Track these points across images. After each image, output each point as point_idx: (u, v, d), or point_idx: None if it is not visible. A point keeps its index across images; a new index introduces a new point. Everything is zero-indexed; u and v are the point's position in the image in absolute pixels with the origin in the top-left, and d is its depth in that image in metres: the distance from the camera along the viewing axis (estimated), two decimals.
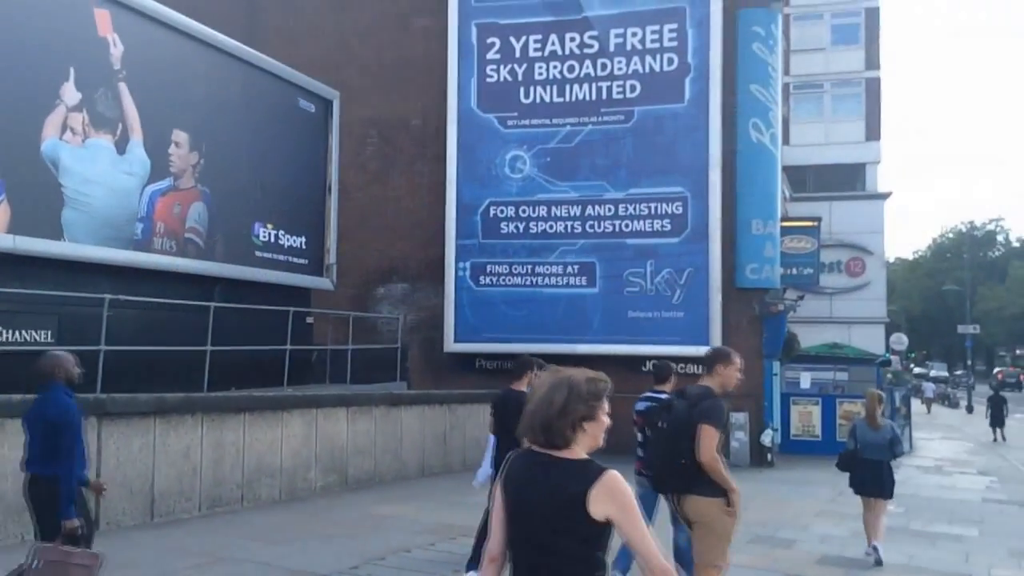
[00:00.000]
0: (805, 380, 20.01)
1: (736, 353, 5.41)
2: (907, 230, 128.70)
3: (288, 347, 12.57)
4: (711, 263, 16.83)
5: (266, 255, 13.25)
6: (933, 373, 57.97)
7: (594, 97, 17.62)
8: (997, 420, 25.55)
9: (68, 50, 9.78)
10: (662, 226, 17.14)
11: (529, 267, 17.73)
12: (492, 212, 17.95)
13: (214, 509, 9.48)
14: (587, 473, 2.61)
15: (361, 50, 19.38)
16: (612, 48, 17.55)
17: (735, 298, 17.06)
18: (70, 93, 9.75)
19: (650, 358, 16.92)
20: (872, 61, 32.91)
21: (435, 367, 18.05)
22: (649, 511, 6.29)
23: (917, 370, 58.52)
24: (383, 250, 18.90)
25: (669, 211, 17.13)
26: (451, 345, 17.94)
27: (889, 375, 25.97)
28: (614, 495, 2.59)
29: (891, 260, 63.39)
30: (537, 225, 17.73)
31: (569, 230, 17.57)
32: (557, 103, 17.79)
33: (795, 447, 18.58)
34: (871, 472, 8.70)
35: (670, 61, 17.29)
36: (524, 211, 17.81)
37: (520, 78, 18.00)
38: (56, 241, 9.58)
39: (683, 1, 17.28)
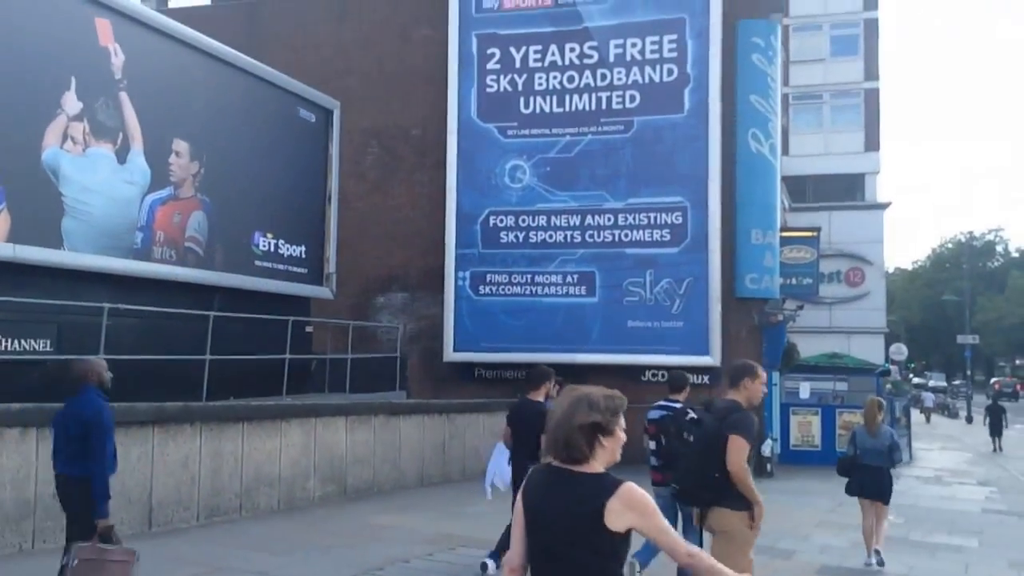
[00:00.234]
0: (804, 390, 19.98)
1: (760, 367, 5.48)
2: (906, 240, 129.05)
3: (287, 356, 12.56)
4: (710, 273, 16.84)
5: (266, 264, 13.25)
6: (931, 383, 57.92)
7: (594, 107, 17.67)
8: (996, 430, 25.53)
9: (69, 59, 9.80)
10: (662, 236, 17.16)
11: (529, 276, 17.73)
12: (492, 221, 17.98)
13: (212, 519, 9.46)
14: (604, 487, 2.72)
15: (362, 60, 19.44)
16: (612, 58, 17.61)
17: (734, 308, 17.07)
18: (71, 102, 9.78)
19: (650, 368, 16.97)
20: (871, 72, 32.99)
21: (434, 376, 18.04)
22: (672, 522, 6.28)
23: (916, 380, 58.46)
24: (383, 259, 18.91)
25: (669, 221, 17.15)
26: (450, 354, 17.93)
27: (889, 385, 25.94)
28: (632, 505, 2.69)
29: (890, 270, 63.51)
30: (537, 235, 17.75)
31: (569, 240, 17.59)
32: (557, 113, 17.83)
33: (794, 457, 18.55)
34: (870, 476, 8.76)
35: (670, 72, 17.34)
36: (524, 220, 17.83)
37: (520, 88, 18.05)
38: (56, 250, 9.58)
39: (683, 12, 17.34)
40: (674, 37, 17.34)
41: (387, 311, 19.03)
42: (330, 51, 19.46)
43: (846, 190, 32.86)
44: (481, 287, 17.94)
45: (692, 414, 7.13)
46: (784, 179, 22.39)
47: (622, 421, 2.83)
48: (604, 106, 17.61)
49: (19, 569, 7.05)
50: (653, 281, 17.10)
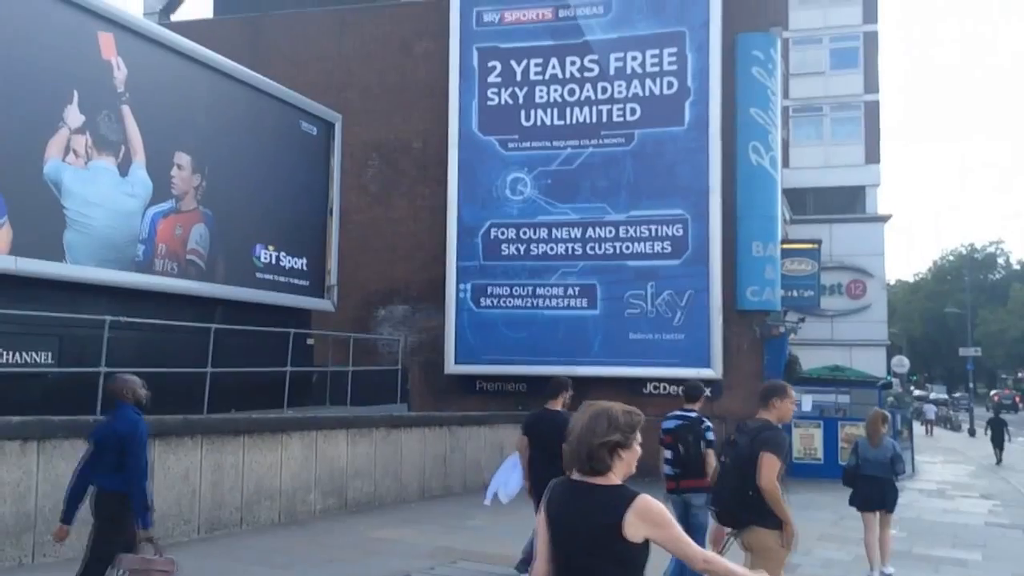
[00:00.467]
0: (806, 403, 19.90)
1: (790, 386, 5.51)
2: (907, 253, 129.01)
3: (288, 369, 12.55)
4: (712, 285, 16.85)
5: (267, 277, 13.26)
6: (933, 396, 57.82)
7: (594, 120, 17.72)
8: (997, 442, 25.46)
9: (72, 73, 9.84)
10: (662, 248, 17.18)
11: (530, 289, 17.74)
12: (493, 234, 18.00)
13: (213, 532, 9.42)
14: (621, 499, 2.85)
15: (363, 73, 19.51)
16: (612, 71, 17.67)
17: (736, 320, 17.06)
18: (73, 115, 9.81)
19: (651, 380, 16.96)
20: (871, 84, 33.07)
21: (436, 389, 18.02)
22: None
23: (917, 393, 58.36)
24: (384, 272, 18.92)
25: (669, 233, 17.17)
26: (452, 367, 17.91)
27: (891, 398, 25.88)
28: (647, 517, 2.82)
29: (892, 282, 63.46)
30: (538, 247, 17.77)
31: (570, 252, 17.61)
32: (558, 126, 17.88)
33: (797, 470, 18.42)
34: (872, 487, 8.72)
35: (670, 84, 17.40)
36: (525, 233, 17.85)
37: (521, 101, 18.10)
38: (58, 263, 9.59)
39: (683, 26, 17.41)
40: (674, 50, 17.41)
41: (388, 324, 19.02)
42: (331, 64, 19.54)
43: (847, 202, 32.88)
44: (482, 299, 17.94)
45: (707, 423, 7.24)
46: (784, 191, 22.40)
47: (639, 436, 2.95)
48: (605, 119, 17.66)
49: None
50: (654, 293, 17.10)
